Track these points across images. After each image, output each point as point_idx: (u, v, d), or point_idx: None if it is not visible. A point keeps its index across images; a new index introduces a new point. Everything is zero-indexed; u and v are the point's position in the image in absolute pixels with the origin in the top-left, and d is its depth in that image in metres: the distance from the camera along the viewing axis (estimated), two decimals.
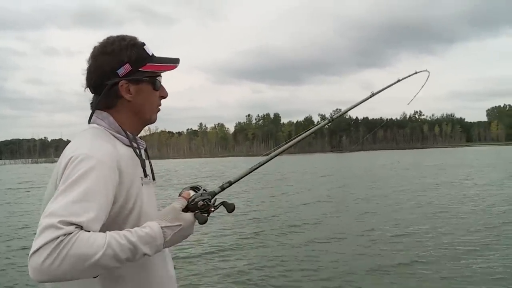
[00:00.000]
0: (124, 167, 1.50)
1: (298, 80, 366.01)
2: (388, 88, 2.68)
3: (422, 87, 2.52)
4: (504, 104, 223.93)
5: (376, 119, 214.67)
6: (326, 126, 2.18)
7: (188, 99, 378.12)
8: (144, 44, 1.67)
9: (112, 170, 1.44)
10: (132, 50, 1.61)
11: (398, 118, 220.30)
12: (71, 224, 1.24)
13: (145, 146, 1.75)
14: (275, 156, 1.95)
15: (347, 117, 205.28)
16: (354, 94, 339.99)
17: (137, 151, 1.65)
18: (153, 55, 1.68)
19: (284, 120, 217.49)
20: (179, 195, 1.64)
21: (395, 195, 18.09)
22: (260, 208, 15.71)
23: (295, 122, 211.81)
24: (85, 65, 1.65)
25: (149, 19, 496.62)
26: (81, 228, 1.26)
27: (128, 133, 1.65)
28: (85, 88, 1.66)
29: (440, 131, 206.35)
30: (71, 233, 1.22)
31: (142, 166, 1.65)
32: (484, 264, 7.58)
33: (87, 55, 1.66)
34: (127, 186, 1.50)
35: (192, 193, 1.65)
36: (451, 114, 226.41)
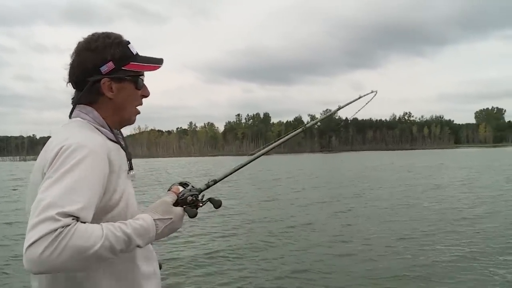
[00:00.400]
0: (113, 158, 1.52)
1: (288, 80, 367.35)
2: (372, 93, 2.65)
3: (366, 104, 2.57)
4: (492, 107, 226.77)
5: (365, 119, 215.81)
6: (301, 131, 2.20)
7: (178, 98, 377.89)
8: (129, 43, 1.66)
9: (103, 160, 1.45)
10: (116, 48, 1.60)
11: (388, 119, 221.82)
12: (69, 215, 1.25)
13: (126, 141, 1.75)
14: (257, 157, 2.03)
15: (336, 117, 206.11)
16: (344, 95, 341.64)
17: (123, 144, 1.67)
18: (137, 54, 1.67)
19: (274, 120, 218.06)
20: (169, 190, 1.70)
21: (388, 196, 18.12)
22: (249, 209, 15.64)
23: (285, 122, 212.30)
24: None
25: (139, 17, 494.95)
26: (77, 218, 1.27)
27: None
28: (67, 83, 1.65)
29: (429, 133, 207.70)
30: (69, 225, 1.23)
31: (128, 159, 1.67)
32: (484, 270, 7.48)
33: None
34: (116, 176, 1.51)
35: (181, 188, 1.72)
36: (440, 116, 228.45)
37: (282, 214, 13.85)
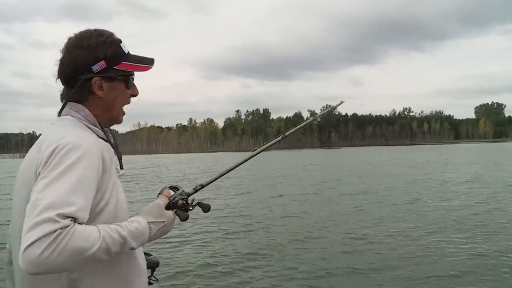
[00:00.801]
0: (106, 157, 1.51)
1: (287, 76, 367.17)
2: (347, 98, 2.72)
3: (333, 109, 2.60)
4: (492, 102, 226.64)
5: (365, 115, 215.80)
6: (280, 139, 2.24)
7: (178, 94, 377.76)
8: (121, 41, 1.64)
9: (98, 159, 1.44)
10: (108, 47, 1.59)
11: (388, 114, 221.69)
12: (67, 217, 1.25)
13: (116, 140, 1.74)
14: (242, 163, 2.06)
15: (336, 113, 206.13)
16: (343, 90, 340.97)
17: (113, 143, 1.66)
18: (128, 53, 1.66)
19: (273, 115, 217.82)
20: (159, 194, 1.73)
21: (391, 192, 18.10)
22: (253, 206, 15.53)
23: (284, 117, 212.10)
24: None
25: (138, 13, 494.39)
26: (75, 220, 1.27)
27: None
28: (56, 79, 1.64)
29: (429, 128, 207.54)
30: (67, 226, 1.24)
31: (118, 158, 1.67)
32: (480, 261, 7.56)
33: None
34: (108, 176, 1.50)
35: (172, 192, 1.74)
36: (440, 111, 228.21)
37: (296, 211, 13.81)
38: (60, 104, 1.62)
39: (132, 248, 1.43)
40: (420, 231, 10.05)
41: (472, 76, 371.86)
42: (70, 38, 1.60)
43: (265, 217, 12.79)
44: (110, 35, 1.63)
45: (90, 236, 1.28)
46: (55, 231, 1.21)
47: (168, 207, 1.66)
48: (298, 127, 2.34)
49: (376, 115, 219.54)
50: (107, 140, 1.63)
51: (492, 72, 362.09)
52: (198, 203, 1.80)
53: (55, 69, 1.62)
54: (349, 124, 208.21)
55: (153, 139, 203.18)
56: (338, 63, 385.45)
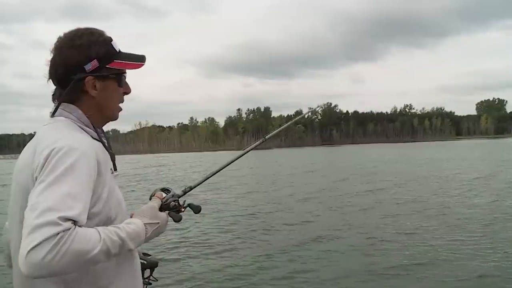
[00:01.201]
0: (100, 159, 1.51)
1: (288, 74, 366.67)
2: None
3: (312, 110, 2.61)
4: (493, 98, 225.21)
5: (366, 112, 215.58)
6: (261, 142, 2.25)
7: (179, 93, 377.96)
8: (112, 40, 1.64)
9: (93, 161, 1.44)
10: (100, 46, 1.58)
11: (389, 111, 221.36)
12: (68, 219, 1.25)
13: (109, 141, 1.74)
14: (235, 160, 2.11)
15: (337, 110, 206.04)
16: (344, 88, 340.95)
17: (106, 144, 1.66)
18: (120, 51, 1.65)
19: (274, 114, 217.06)
20: (152, 196, 1.77)
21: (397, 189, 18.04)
22: (251, 205, 15.48)
23: (285, 116, 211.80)
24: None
25: (139, 12, 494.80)
26: (76, 223, 1.28)
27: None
28: (48, 79, 1.63)
29: (430, 125, 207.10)
30: (69, 229, 1.24)
31: (112, 159, 1.66)
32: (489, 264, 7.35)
33: None
34: (103, 178, 1.50)
35: (164, 194, 1.78)
36: (441, 108, 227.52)
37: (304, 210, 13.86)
38: (52, 105, 1.62)
39: (130, 250, 1.45)
40: (448, 231, 9.78)
41: (473, 72, 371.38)
42: (60, 38, 1.59)
43: (269, 217, 12.64)
44: (101, 33, 1.62)
45: (92, 239, 1.28)
46: (58, 233, 1.21)
47: (161, 208, 1.69)
48: (278, 130, 2.40)
49: (377, 112, 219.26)
50: (100, 141, 1.63)
51: (493, 68, 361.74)
52: (189, 204, 1.85)
53: (46, 69, 1.61)
54: (350, 122, 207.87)
55: (155, 138, 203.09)
56: (339, 61, 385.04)
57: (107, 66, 1.60)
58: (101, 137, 1.65)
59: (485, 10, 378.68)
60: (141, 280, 1.77)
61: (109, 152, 1.65)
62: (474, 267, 7.15)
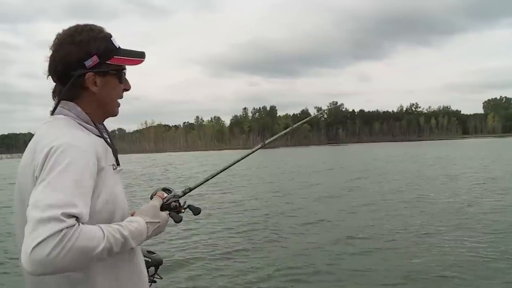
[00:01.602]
0: (101, 155, 1.51)
1: (294, 72, 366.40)
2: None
3: (331, 108, 2.64)
4: (501, 96, 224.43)
5: (372, 111, 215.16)
6: (261, 147, 2.29)
7: (184, 92, 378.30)
8: (111, 36, 1.64)
9: (93, 158, 1.45)
10: (100, 42, 1.58)
11: (395, 110, 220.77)
12: (72, 216, 1.25)
13: (110, 136, 1.74)
14: (232, 165, 2.14)
15: (343, 109, 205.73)
16: (350, 87, 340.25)
17: (108, 140, 1.66)
18: (119, 47, 1.65)
19: (280, 112, 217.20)
20: (153, 195, 1.78)
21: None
22: (257, 204, 15.44)
23: (291, 114, 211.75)
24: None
25: (144, 11, 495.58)
26: (79, 219, 1.28)
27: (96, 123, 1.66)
28: (48, 76, 1.63)
29: (437, 124, 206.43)
30: (73, 226, 1.24)
31: (114, 155, 1.66)
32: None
33: None
34: (104, 174, 1.51)
35: (165, 194, 1.79)
36: (447, 106, 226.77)
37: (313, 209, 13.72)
38: (53, 102, 1.62)
39: (132, 248, 1.45)
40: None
41: (480, 71, 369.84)
42: (59, 34, 1.59)
43: (277, 218, 12.45)
44: (101, 29, 1.62)
45: (95, 236, 1.28)
46: (61, 230, 1.21)
47: (162, 208, 1.70)
48: (278, 135, 2.40)
49: (383, 111, 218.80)
50: (102, 136, 1.63)
51: (501, 66, 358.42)
52: (189, 206, 1.86)
53: (45, 65, 1.61)
54: (356, 121, 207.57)
55: (161, 137, 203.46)
56: (345, 59, 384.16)
57: (107, 62, 1.60)
58: (102, 133, 1.64)
59: (492, 7, 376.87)
60: (146, 278, 1.77)
61: (111, 148, 1.65)
62: (495, 271, 6.89)
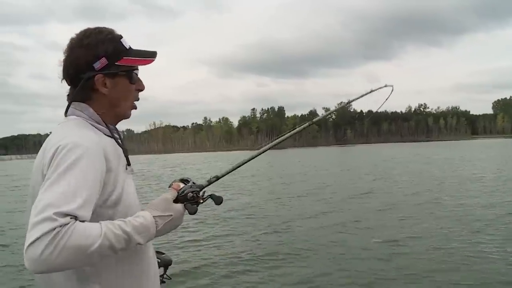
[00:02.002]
0: (110, 155, 1.52)
1: (302, 73, 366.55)
2: (358, 99, 2.66)
3: (385, 100, 2.66)
4: (510, 96, 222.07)
5: (380, 112, 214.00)
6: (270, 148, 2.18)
7: (192, 93, 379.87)
8: (122, 37, 1.65)
9: (100, 158, 1.45)
10: (108, 44, 1.59)
11: (403, 111, 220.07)
12: (66, 215, 1.26)
13: (122, 137, 1.75)
14: (261, 153, 2.08)
15: (351, 110, 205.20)
16: (359, 87, 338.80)
17: (119, 141, 1.67)
18: (130, 48, 1.66)
19: (288, 113, 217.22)
20: (169, 187, 1.72)
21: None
22: (269, 205, 15.44)
23: (299, 115, 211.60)
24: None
25: (152, 12, 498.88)
26: (76, 218, 1.28)
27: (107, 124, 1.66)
28: (62, 79, 1.65)
29: (445, 124, 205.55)
30: (67, 224, 1.24)
31: (125, 155, 1.67)
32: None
33: None
34: (114, 174, 1.52)
35: (181, 185, 1.73)
36: (456, 107, 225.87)
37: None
38: (63, 103, 1.65)
39: (139, 244, 1.43)
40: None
41: (490, 71, 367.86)
42: (72, 39, 1.62)
43: (286, 217, 12.35)
44: (110, 32, 1.63)
45: (91, 234, 1.28)
46: (54, 229, 1.22)
47: (177, 200, 1.64)
48: (284, 138, 2.25)
49: (392, 112, 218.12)
50: (113, 137, 1.64)
51: (511, 66, 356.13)
52: (210, 195, 1.75)
53: (59, 70, 1.64)
54: (364, 121, 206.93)
55: (169, 138, 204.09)
56: (354, 60, 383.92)
57: (116, 63, 1.61)
58: (113, 133, 1.65)
59: (503, 6, 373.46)
60: (158, 280, 1.77)
61: (122, 148, 1.66)
62: (498, 271, 6.87)
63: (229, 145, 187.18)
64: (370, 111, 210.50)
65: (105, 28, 1.65)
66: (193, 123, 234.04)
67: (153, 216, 1.49)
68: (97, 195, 1.41)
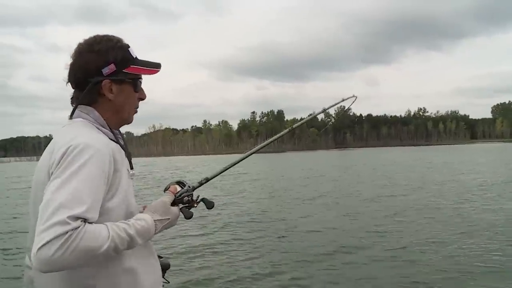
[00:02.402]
0: (117, 157, 1.57)
1: (302, 76, 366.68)
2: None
3: (347, 108, 2.94)
4: (509, 101, 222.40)
5: (379, 116, 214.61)
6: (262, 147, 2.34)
7: (192, 96, 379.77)
8: (129, 47, 1.71)
9: (108, 159, 1.49)
10: (118, 51, 1.65)
11: (403, 115, 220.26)
12: (78, 218, 1.31)
13: (125, 141, 1.80)
14: (248, 156, 2.23)
15: (351, 114, 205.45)
16: (359, 91, 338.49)
17: (123, 144, 1.72)
18: (136, 57, 1.73)
19: (288, 117, 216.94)
20: (166, 189, 1.83)
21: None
22: (269, 210, 15.36)
23: (299, 119, 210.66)
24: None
25: (152, 15, 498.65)
26: (86, 220, 1.33)
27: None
28: (67, 83, 1.69)
29: (445, 128, 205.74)
30: (78, 227, 1.30)
31: (128, 158, 1.72)
32: None
33: None
34: (119, 176, 1.56)
35: (178, 188, 1.82)
36: (456, 111, 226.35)
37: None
38: (71, 107, 1.70)
39: (138, 244, 1.51)
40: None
41: (489, 75, 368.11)
42: (80, 44, 1.67)
43: (286, 223, 12.23)
44: (119, 40, 1.70)
45: (100, 236, 1.34)
46: (66, 232, 1.27)
47: (173, 203, 1.74)
48: (274, 138, 2.39)
49: (391, 116, 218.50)
50: (117, 141, 1.68)
51: (510, 70, 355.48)
52: (202, 199, 1.87)
53: (65, 73, 1.69)
54: (363, 125, 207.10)
55: (168, 141, 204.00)
56: (354, 63, 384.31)
57: (123, 70, 1.67)
58: (117, 138, 1.70)
59: (502, 10, 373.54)
60: (159, 274, 1.81)
61: (125, 152, 1.71)
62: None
63: (228, 148, 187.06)
64: (369, 115, 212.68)
65: (114, 36, 1.71)
66: (192, 126, 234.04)
67: (154, 220, 1.58)
68: (103, 195, 1.46)
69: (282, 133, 2.43)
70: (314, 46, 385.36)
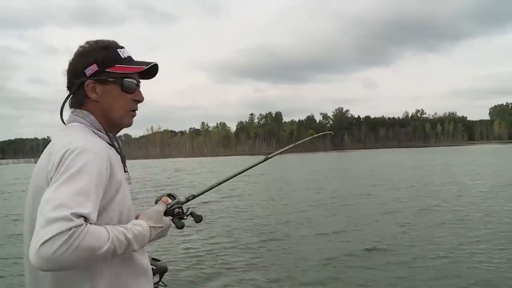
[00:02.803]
0: (113, 161, 1.58)
1: (300, 78, 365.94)
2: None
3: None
4: (507, 103, 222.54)
5: (377, 117, 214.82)
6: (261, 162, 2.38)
7: (190, 98, 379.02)
8: (120, 48, 1.71)
9: (105, 163, 1.50)
10: (100, 52, 1.66)
11: (401, 116, 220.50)
12: (81, 216, 1.30)
13: (120, 145, 1.80)
14: (236, 175, 2.28)
15: (348, 116, 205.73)
16: (357, 93, 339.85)
17: (118, 148, 1.72)
18: (127, 57, 1.71)
19: (286, 119, 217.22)
20: (157, 200, 1.90)
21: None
22: (269, 214, 15.29)
23: (297, 120, 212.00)
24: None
25: (150, 17, 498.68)
26: (87, 220, 1.33)
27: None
28: (67, 87, 1.72)
29: (442, 130, 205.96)
30: (81, 225, 1.29)
31: (122, 162, 1.71)
32: None
33: None
34: (116, 179, 1.57)
35: (169, 200, 1.90)
36: (454, 113, 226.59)
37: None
38: (70, 110, 1.72)
39: (134, 250, 1.51)
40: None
41: (487, 76, 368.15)
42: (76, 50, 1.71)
43: (285, 225, 12.21)
44: (108, 42, 1.72)
45: (101, 237, 1.34)
46: (70, 229, 1.26)
47: (165, 213, 1.78)
48: (281, 150, 2.45)
49: (389, 117, 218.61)
50: (113, 145, 1.69)
51: (508, 72, 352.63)
52: (191, 213, 1.95)
53: (60, 75, 1.73)
54: (361, 127, 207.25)
55: (167, 143, 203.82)
56: (351, 65, 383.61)
57: (106, 70, 1.66)
58: (113, 141, 1.71)
59: (500, 12, 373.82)
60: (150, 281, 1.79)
61: (120, 155, 1.71)
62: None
63: (226, 150, 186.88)
64: (367, 117, 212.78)
65: (104, 39, 1.73)
66: (191, 128, 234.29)
67: (150, 226, 1.60)
68: (101, 198, 1.46)
69: (258, 162, 2.40)
70: (312, 48, 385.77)
